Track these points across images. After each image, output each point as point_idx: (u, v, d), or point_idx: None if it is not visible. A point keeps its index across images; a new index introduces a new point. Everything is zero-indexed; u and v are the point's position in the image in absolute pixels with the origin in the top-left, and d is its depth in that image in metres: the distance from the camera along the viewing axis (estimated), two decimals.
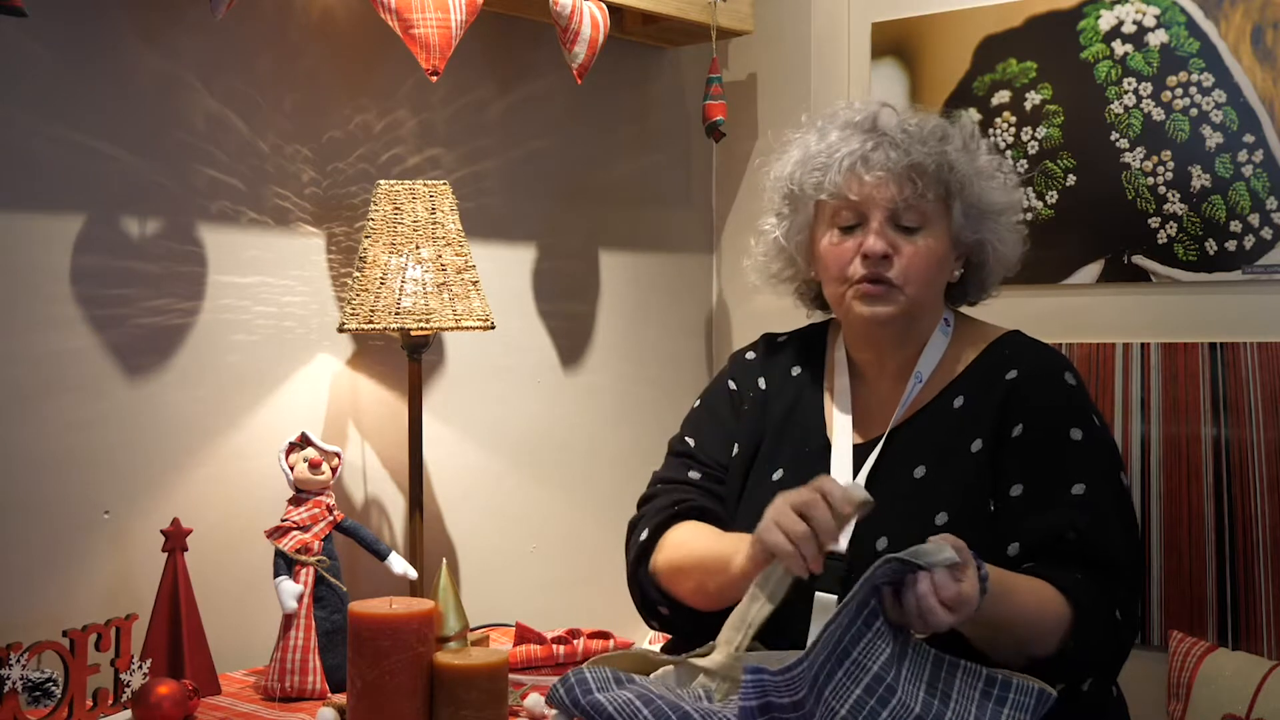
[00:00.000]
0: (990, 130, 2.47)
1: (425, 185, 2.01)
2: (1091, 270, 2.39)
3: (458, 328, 1.98)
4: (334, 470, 1.88)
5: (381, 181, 2.02)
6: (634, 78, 2.68)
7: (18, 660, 1.56)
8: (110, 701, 1.66)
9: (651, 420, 2.61)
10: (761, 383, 1.80)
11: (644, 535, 1.70)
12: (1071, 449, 1.57)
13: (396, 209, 1.99)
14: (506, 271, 2.42)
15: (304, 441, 1.88)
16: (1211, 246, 2.26)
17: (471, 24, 1.99)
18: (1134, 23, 2.33)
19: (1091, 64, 2.38)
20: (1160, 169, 2.31)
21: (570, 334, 2.55)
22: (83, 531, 1.84)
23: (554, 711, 1.37)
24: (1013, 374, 1.63)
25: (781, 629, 1.47)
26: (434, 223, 2.00)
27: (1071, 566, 1.49)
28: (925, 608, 1.28)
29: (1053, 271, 2.41)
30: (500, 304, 2.23)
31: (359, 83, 2.19)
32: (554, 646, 1.93)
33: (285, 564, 1.81)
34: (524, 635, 1.96)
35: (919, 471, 1.61)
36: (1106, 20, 2.36)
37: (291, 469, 1.86)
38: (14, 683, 1.55)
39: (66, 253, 1.83)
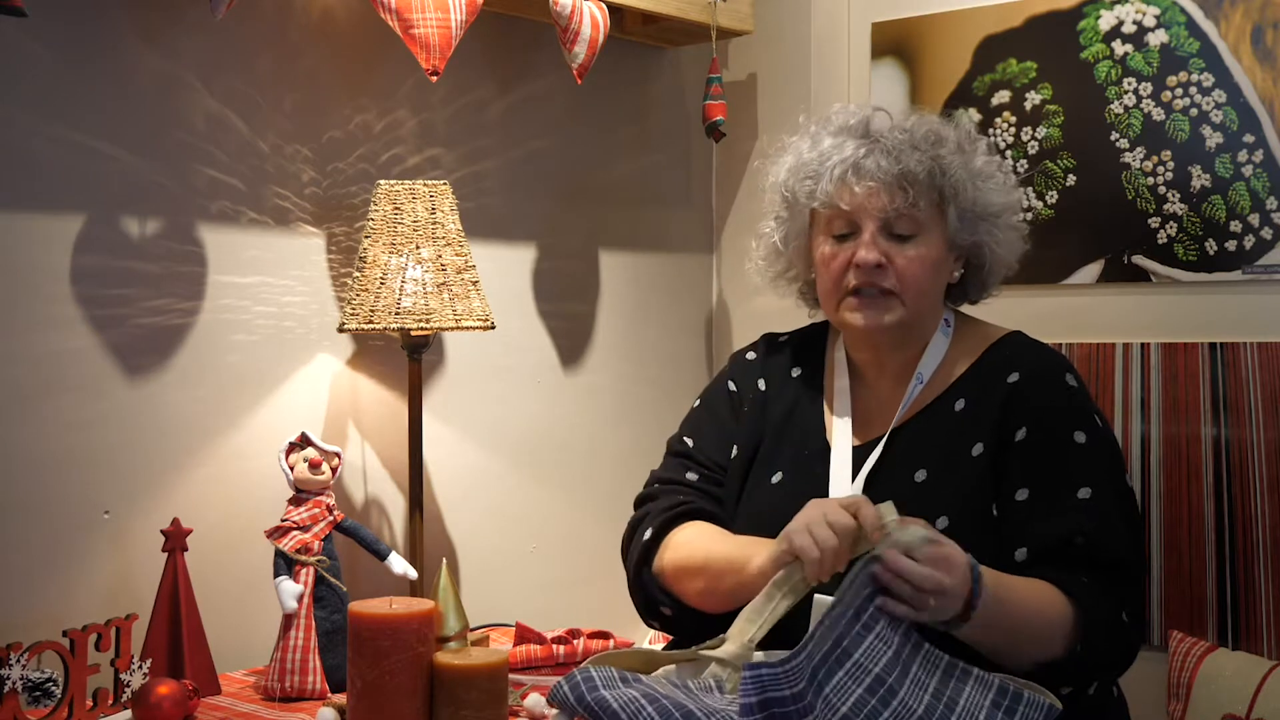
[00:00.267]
0: (990, 130, 2.47)
1: (425, 185, 2.01)
2: (1091, 270, 2.39)
3: (458, 328, 1.98)
4: (334, 470, 1.88)
5: (381, 181, 2.02)
6: (634, 78, 2.68)
7: (18, 660, 1.56)
8: (110, 701, 1.66)
9: (651, 420, 2.61)
10: (761, 384, 1.80)
11: (648, 535, 1.70)
12: (1075, 452, 1.56)
13: (396, 209, 1.99)
14: (506, 271, 2.42)
15: (304, 441, 1.88)
16: (1211, 246, 2.26)
17: (471, 24, 1.99)
18: (1134, 23, 2.34)
19: (1091, 64, 2.38)
20: (1160, 169, 2.31)
21: (570, 334, 2.55)
22: (83, 531, 1.84)
23: (555, 711, 1.37)
24: (1014, 377, 1.63)
25: (780, 630, 1.47)
26: (434, 223, 2.00)
27: (1078, 570, 1.49)
28: (898, 588, 1.32)
29: (1053, 271, 2.41)
30: (500, 304, 2.23)
31: (359, 83, 2.19)
32: (554, 646, 1.94)
33: (285, 564, 1.81)
34: (524, 635, 1.96)
35: (920, 475, 1.61)
36: (1106, 20, 2.36)
37: (291, 469, 1.86)
38: (14, 683, 1.55)
39: (66, 253, 1.83)
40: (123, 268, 1.89)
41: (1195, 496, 2.26)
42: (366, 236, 2.00)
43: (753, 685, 1.26)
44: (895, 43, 2.60)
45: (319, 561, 1.82)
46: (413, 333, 2.01)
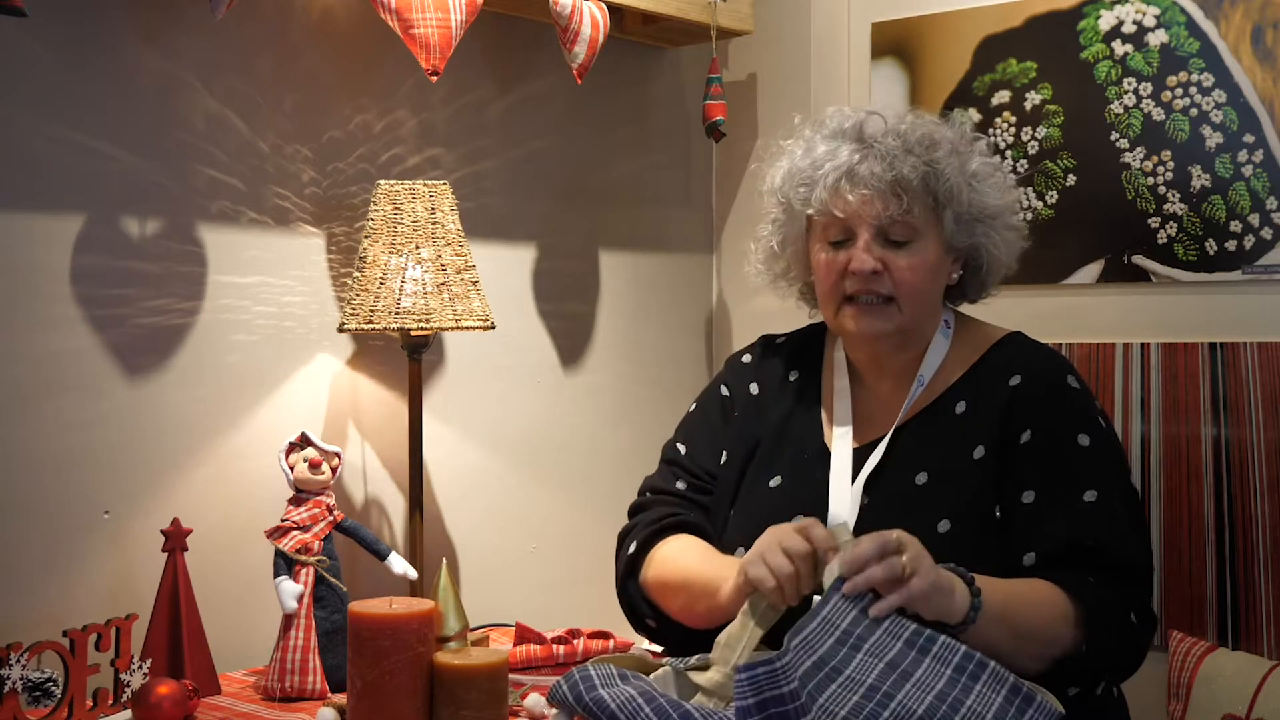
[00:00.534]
0: (990, 130, 2.47)
1: (425, 185, 2.01)
2: (1091, 270, 2.39)
3: (458, 328, 1.98)
4: (334, 470, 1.88)
5: (381, 181, 2.02)
6: (634, 78, 2.68)
7: (18, 660, 1.56)
8: (110, 701, 1.66)
9: (651, 420, 2.60)
10: (754, 388, 1.80)
11: (632, 548, 1.71)
12: (1081, 455, 1.56)
13: (396, 209, 1.99)
14: (506, 271, 2.42)
15: (304, 441, 1.88)
16: (1211, 246, 2.26)
17: (471, 24, 1.99)
18: (1134, 23, 2.33)
19: (1091, 64, 2.38)
20: (1160, 169, 2.31)
21: (570, 334, 2.55)
22: (83, 531, 1.84)
23: (555, 711, 1.37)
24: (1015, 379, 1.62)
25: (778, 632, 1.48)
26: (434, 223, 2.00)
27: (1087, 572, 1.49)
28: (868, 573, 1.32)
29: (1053, 271, 2.41)
30: (500, 304, 2.23)
31: (359, 83, 2.18)
32: (554, 646, 1.93)
33: (285, 564, 1.81)
34: (524, 635, 1.96)
35: (921, 478, 1.61)
36: (1106, 20, 2.36)
37: (291, 469, 1.86)
38: (14, 683, 1.55)
39: (66, 253, 1.83)
40: (123, 268, 1.89)
41: (1195, 496, 2.26)
42: (366, 236, 2.00)
43: (749, 687, 1.27)
44: (895, 43, 2.60)
45: (319, 561, 1.82)
46: (413, 333, 2.01)
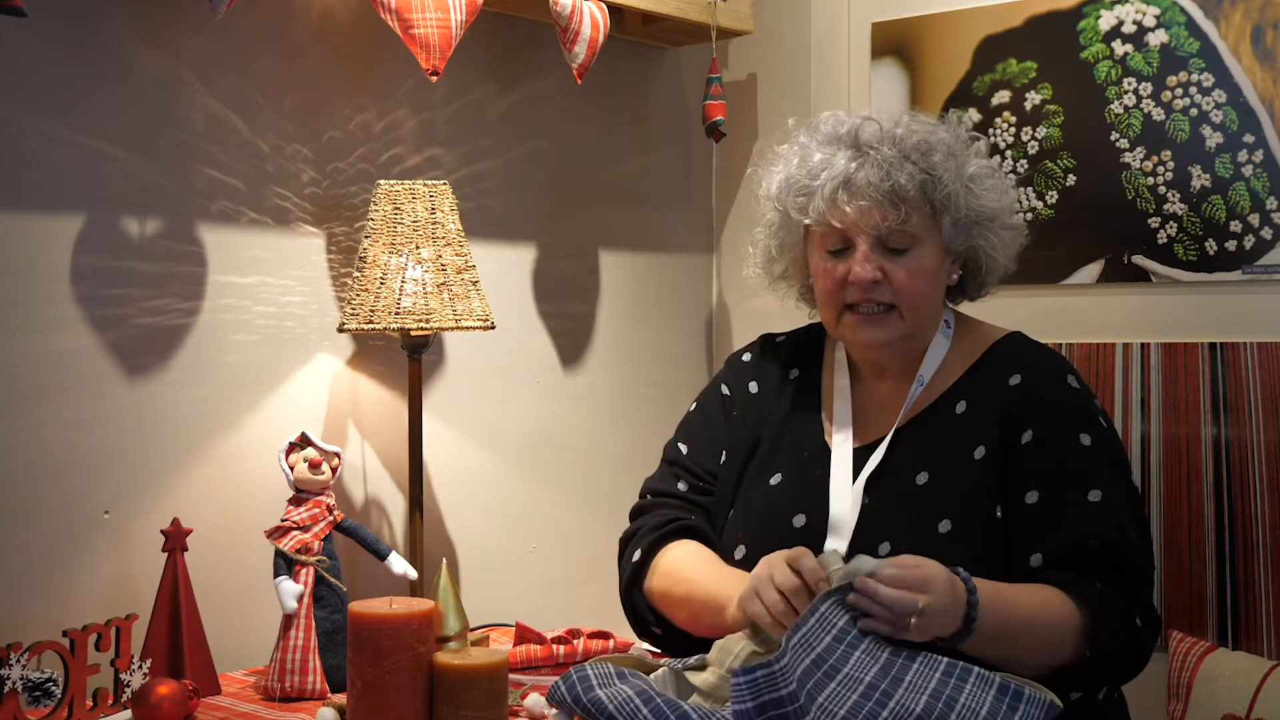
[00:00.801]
0: (990, 130, 2.47)
1: (425, 185, 2.01)
2: (1091, 270, 2.39)
3: (458, 328, 1.98)
4: (334, 470, 1.88)
5: (381, 181, 2.02)
6: (634, 78, 2.68)
7: (18, 660, 1.56)
8: (110, 701, 1.66)
9: (651, 420, 2.60)
10: (753, 386, 1.80)
11: (636, 556, 1.71)
12: (1083, 454, 1.56)
13: (396, 209, 1.99)
14: (506, 271, 2.42)
15: (304, 441, 1.88)
16: (1211, 246, 2.26)
17: (471, 24, 1.99)
18: (1134, 23, 2.33)
19: (1091, 64, 2.38)
20: (1160, 169, 2.31)
21: (570, 334, 2.55)
22: (83, 531, 1.84)
23: (554, 711, 1.37)
24: (1016, 379, 1.62)
25: None
26: (434, 223, 2.00)
27: (1093, 574, 1.49)
28: (875, 612, 1.33)
29: (1053, 271, 2.41)
30: (500, 304, 2.23)
31: (359, 83, 2.18)
32: (554, 646, 1.93)
33: (285, 564, 1.81)
34: (524, 635, 1.96)
35: (921, 478, 1.61)
36: (1106, 20, 2.36)
37: (291, 469, 1.86)
38: (14, 683, 1.55)
39: (66, 253, 1.83)
40: (123, 268, 1.89)
41: (1195, 496, 2.26)
42: (366, 236, 2.00)
43: (748, 690, 1.27)
44: (895, 43, 2.60)
45: (319, 561, 1.82)
46: (413, 333, 2.01)
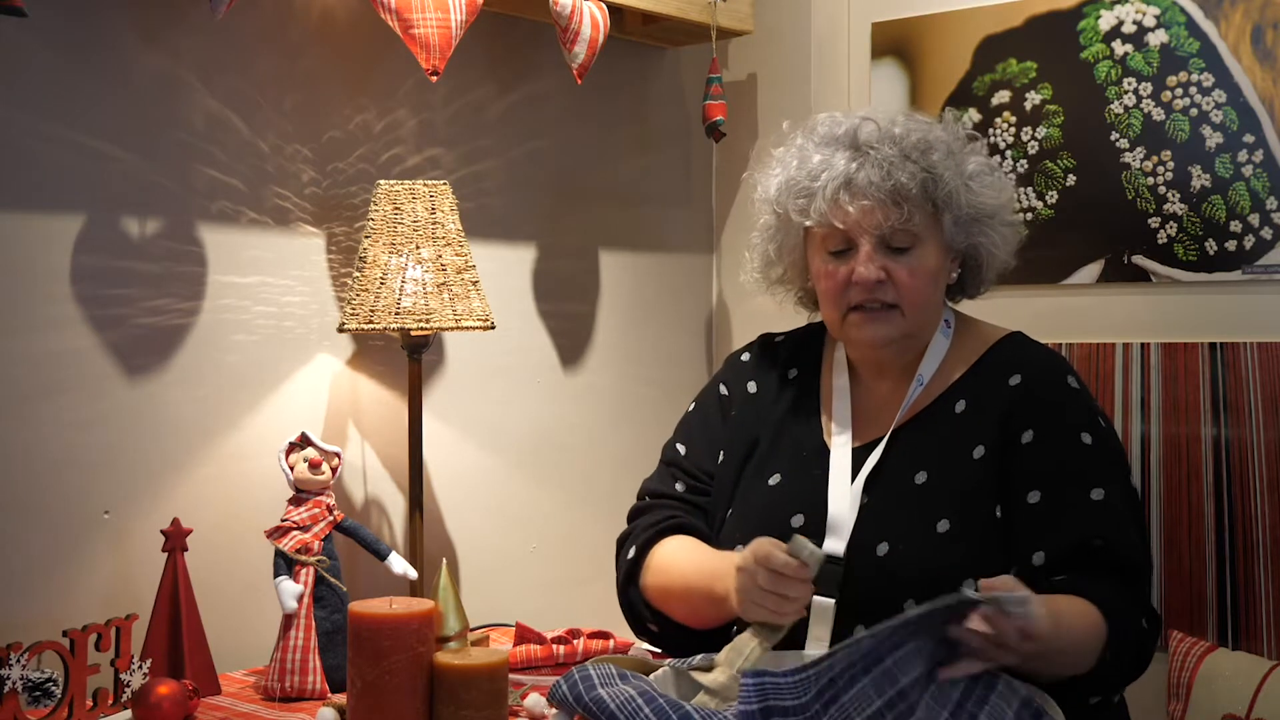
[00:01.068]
0: (990, 130, 2.47)
1: (425, 185, 2.01)
2: (1091, 270, 2.39)
3: (458, 328, 1.98)
4: (334, 470, 1.88)
5: (381, 181, 2.02)
6: (634, 78, 2.68)
7: (18, 660, 1.55)
8: (110, 701, 1.65)
9: (651, 420, 2.60)
10: (752, 386, 1.80)
11: (631, 554, 1.72)
12: (1085, 454, 1.56)
13: (396, 209, 1.99)
14: (506, 271, 2.42)
15: (304, 441, 1.88)
16: (1211, 246, 2.26)
17: (471, 24, 1.99)
18: (1134, 23, 2.33)
19: (1091, 64, 2.38)
20: (1160, 169, 2.31)
21: (570, 334, 2.55)
22: (83, 531, 1.84)
23: (554, 711, 1.37)
24: (1016, 379, 1.62)
25: (782, 643, 1.49)
26: (434, 223, 2.00)
27: (1099, 575, 1.49)
28: (979, 641, 1.27)
29: (1053, 271, 2.41)
30: (500, 304, 2.23)
31: (359, 83, 2.18)
32: (554, 646, 1.93)
33: (285, 564, 1.81)
34: (524, 635, 1.96)
35: (920, 477, 1.61)
36: (1106, 20, 2.36)
37: (291, 469, 1.86)
38: (14, 683, 1.55)
39: (66, 253, 1.83)
40: (123, 268, 1.89)
41: (1195, 496, 2.26)
42: (366, 236, 2.00)
43: (754, 692, 1.26)
44: (895, 43, 2.60)
45: (319, 561, 1.82)
46: (413, 333, 2.01)
